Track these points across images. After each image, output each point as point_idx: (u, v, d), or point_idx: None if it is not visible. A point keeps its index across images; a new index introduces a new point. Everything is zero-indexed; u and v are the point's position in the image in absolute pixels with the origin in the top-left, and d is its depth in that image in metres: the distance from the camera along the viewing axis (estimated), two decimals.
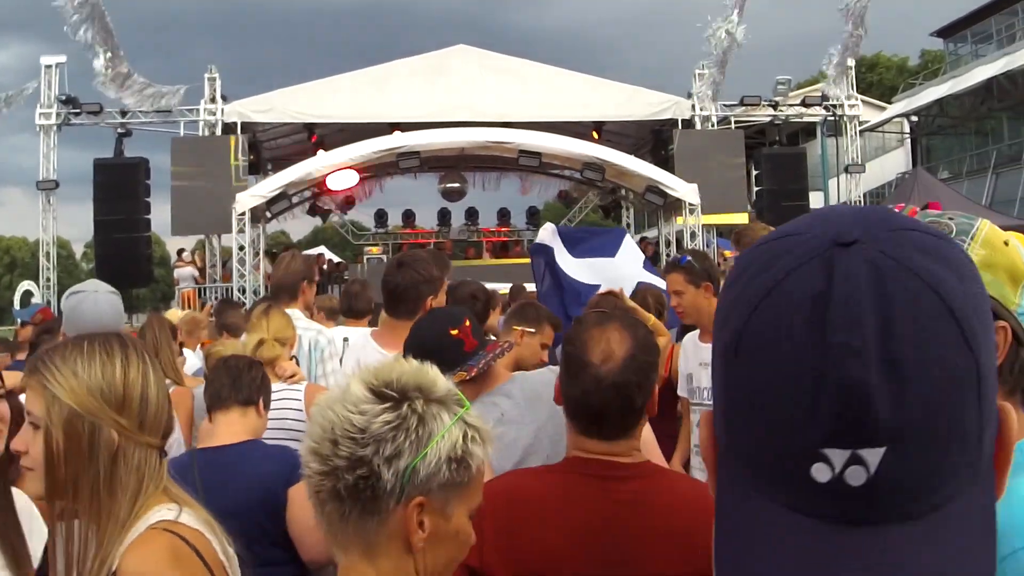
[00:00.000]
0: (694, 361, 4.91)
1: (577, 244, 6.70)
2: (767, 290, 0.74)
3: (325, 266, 23.77)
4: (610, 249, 6.85)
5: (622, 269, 6.60)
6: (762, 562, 0.73)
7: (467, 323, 3.05)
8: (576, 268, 6.48)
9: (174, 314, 11.08)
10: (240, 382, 3.60)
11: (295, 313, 4.92)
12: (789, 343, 0.71)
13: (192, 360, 6.47)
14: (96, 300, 4.22)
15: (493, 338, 3.70)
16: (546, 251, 6.60)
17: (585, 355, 2.21)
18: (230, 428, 3.54)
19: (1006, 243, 1.63)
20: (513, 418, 2.89)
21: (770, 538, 0.73)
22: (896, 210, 2.45)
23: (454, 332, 3.01)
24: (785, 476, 0.72)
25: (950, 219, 1.73)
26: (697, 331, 5.04)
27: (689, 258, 4.88)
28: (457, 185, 26.38)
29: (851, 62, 21.82)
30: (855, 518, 0.70)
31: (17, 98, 19.99)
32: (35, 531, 2.21)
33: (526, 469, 2.57)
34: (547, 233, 6.35)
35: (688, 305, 4.80)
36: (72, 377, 1.89)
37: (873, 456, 0.69)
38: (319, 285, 20.69)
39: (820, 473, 0.70)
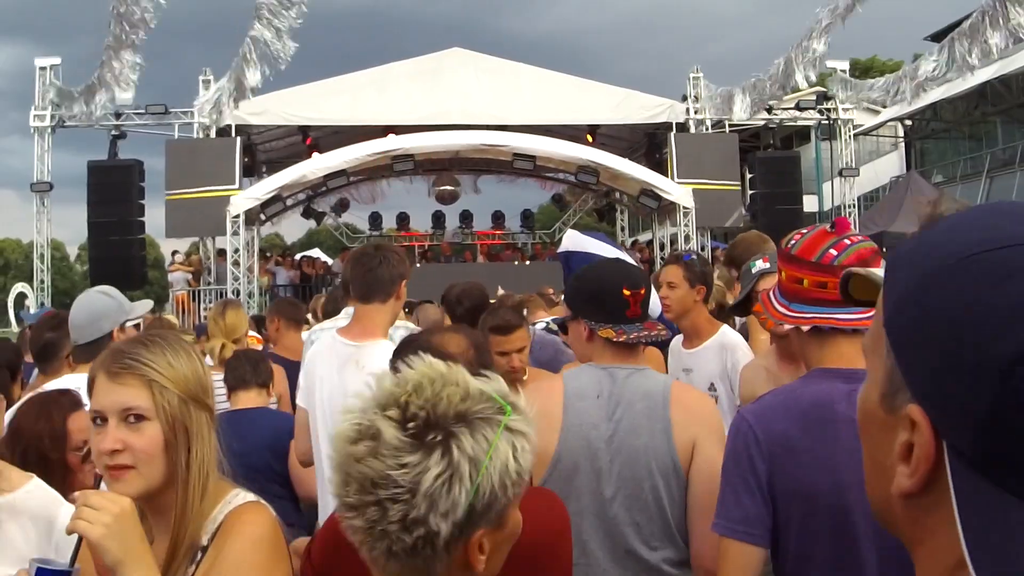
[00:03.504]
0: (676, 367, 4.75)
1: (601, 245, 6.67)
2: None
3: (320, 270, 23.78)
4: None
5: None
6: None
7: (642, 291, 2.97)
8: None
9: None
10: (259, 369, 4.74)
11: None
12: None
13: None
14: (88, 295, 4.30)
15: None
16: (571, 256, 6.55)
17: None
18: (249, 402, 4.65)
19: None
20: (602, 406, 2.80)
21: None
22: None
23: (627, 292, 2.93)
24: None
25: None
26: (680, 337, 4.85)
27: (694, 256, 4.81)
28: (450, 188, 26.34)
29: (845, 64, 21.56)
30: None
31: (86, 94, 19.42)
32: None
33: None
34: (570, 240, 6.29)
35: (676, 301, 4.63)
36: (169, 368, 2.04)
37: None
38: (310, 289, 20.75)
39: None
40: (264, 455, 4.34)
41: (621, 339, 2.89)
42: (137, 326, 4.26)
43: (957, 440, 0.81)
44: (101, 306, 4.15)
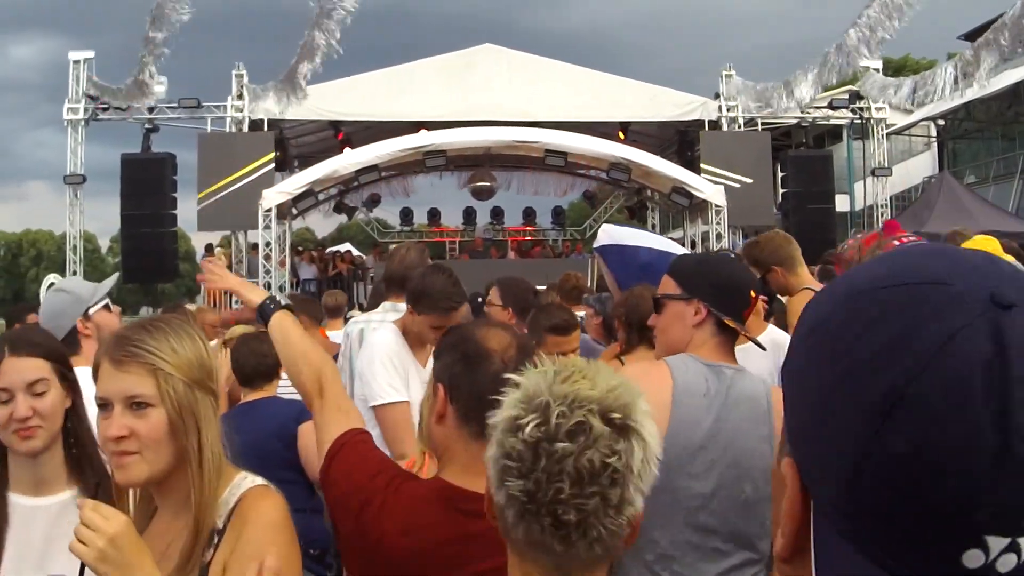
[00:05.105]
0: None
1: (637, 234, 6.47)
2: (936, 348, 0.65)
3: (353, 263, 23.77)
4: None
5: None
6: None
7: (752, 294, 3.12)
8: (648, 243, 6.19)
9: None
10: (265, 360, 4.72)
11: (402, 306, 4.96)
12: (965, 414, 0.64)
13: None
14: (46, 297, 4.51)
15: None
16: (607, 249, 6.38)
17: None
18: (258, 395, 4.77)
19: None
20: (707, 404, 2.82)
21: None
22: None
23: (752, 295, 3.09)
24: (930, 559, 0.66)
25: None
26: None
27: (734, 254, 4.71)
28: (487, 184, 26.34)
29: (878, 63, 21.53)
30: None
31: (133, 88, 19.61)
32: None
33: None
34: (606, 234, 6.14)
35: None
36: (173, 354, 2.04)
37: None
38: (345, 282, 20.80)
39: (972, 560, 0.65)
40: (273, 443, 4.49)
41: (750, 334, 3.01)
42: (107, 306, 4.14)
43: (821, 498, 0.72)
44: (56, 306, 4.12)
